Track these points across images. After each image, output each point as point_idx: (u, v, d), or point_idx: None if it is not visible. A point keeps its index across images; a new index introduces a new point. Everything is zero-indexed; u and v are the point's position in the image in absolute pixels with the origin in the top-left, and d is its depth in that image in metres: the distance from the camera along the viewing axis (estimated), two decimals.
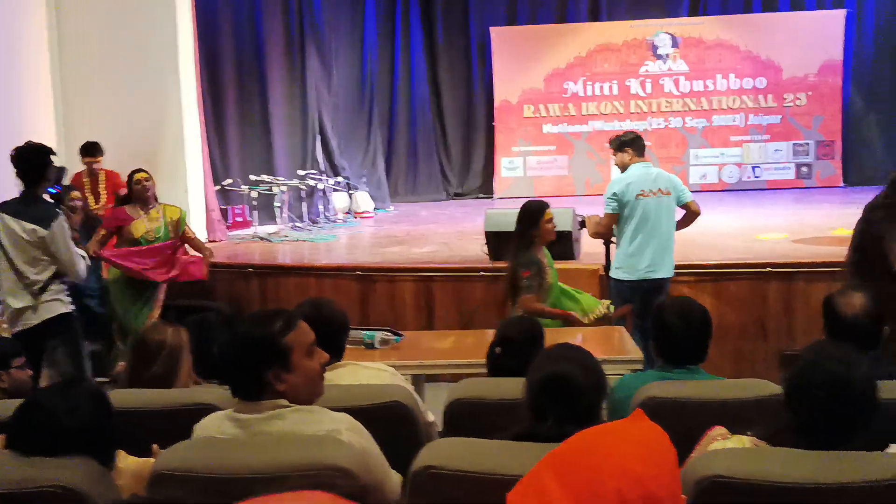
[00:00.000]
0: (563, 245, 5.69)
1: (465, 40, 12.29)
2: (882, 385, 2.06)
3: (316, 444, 1.91)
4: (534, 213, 4.61)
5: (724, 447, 2.05)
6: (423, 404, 3.03)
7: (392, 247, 8.05)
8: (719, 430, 2.12)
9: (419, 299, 6.70)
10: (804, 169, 11.86)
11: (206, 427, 2.12)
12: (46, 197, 4.91)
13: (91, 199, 6.93)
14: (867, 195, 11.00)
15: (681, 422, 2.43)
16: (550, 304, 4.55)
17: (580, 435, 1.52)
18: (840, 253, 6.34)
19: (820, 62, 11.67)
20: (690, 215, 5.23)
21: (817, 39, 11.66)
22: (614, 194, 5.08)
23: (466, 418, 2.68)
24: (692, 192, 5.37)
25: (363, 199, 10.84)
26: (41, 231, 4.51)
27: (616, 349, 4.01)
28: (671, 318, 2.84)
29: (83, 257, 4.79)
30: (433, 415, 2.92)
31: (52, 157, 4.66)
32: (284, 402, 2.06)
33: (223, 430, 2.04)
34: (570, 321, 4.48)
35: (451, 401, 2.74)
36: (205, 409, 2.36)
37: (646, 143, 5.41)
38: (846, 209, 9.32)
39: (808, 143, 11.82)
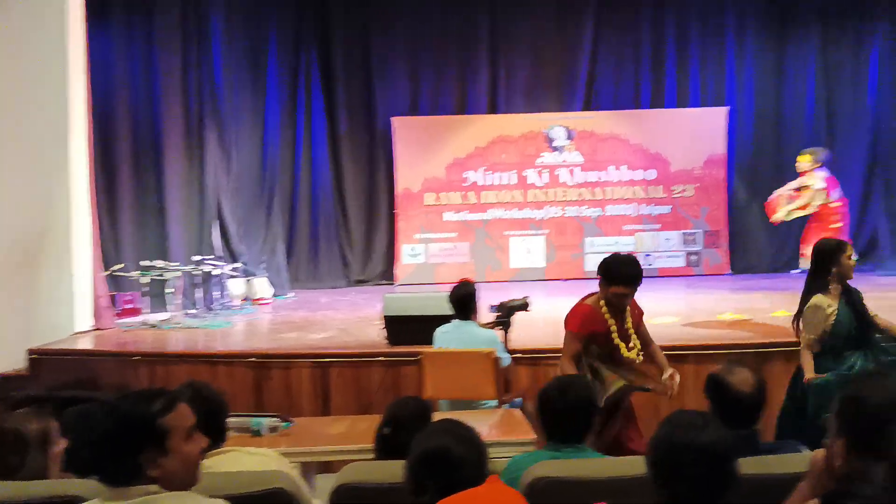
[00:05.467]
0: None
1: (367, 128, 12.39)
2: (750, 461, 2.11)
3: None
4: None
5: None
6: (309, 492, 2.93)
7: (289, 333, 7.90)
8: None
9: (316, 386, 6.58)
10: (693, 257, 12.35)
11: None
12: None
13: None
14: (752, 282, 11.52)
15: (569, 501, 2.43)
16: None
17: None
18: (727, 336, 6.61)
19: (705, 155, 12.29)
20: None
21: (702, 134, 12.30)
22: None
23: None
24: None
25: (261, 286, 10.64)
26: None
27: (510, 430, 3.99)
28: (554, 395, 2.84)
29: None
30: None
31: None
32: (155, 487, 1.94)
33: None
34: None
35: (337, 486, 2.65)
36: (70, 502, 2.22)
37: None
38: (733, 295, 9.78)
39: (696, 233, 12.35)
